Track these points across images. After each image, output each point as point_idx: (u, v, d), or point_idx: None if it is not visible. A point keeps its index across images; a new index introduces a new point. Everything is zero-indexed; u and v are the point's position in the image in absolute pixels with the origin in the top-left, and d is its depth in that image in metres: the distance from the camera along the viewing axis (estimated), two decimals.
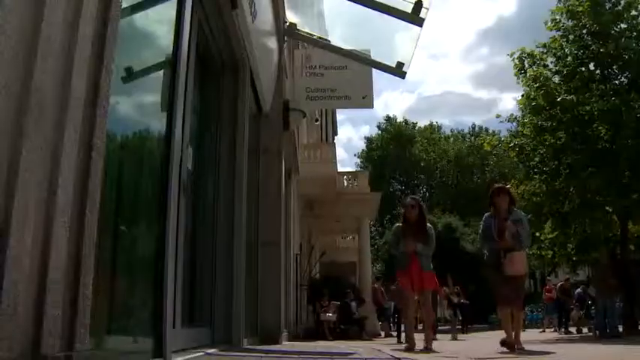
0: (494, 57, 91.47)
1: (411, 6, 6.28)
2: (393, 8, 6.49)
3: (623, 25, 13.37)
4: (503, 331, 6.59)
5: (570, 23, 13.77)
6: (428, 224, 7.03)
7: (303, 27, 9.33)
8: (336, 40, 9.55)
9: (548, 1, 14.96)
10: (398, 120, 50.69)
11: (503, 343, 6.45)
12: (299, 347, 6.63)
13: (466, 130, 51.49)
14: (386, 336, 15.98)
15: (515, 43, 52.45)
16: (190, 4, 3.51)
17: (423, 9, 6.25)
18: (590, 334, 14.37)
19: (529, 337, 13.28)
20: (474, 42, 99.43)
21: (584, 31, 13.51)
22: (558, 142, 13.24)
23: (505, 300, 6.35)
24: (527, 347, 6.68)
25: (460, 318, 16.26)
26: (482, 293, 33.07)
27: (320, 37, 9.54)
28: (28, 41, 1.40)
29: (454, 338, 12.89)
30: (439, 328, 13.76)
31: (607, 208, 13.33)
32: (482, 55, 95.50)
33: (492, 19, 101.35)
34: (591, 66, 13.81)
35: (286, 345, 7.23)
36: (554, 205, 13.57)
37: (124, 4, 2.13)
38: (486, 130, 46.47)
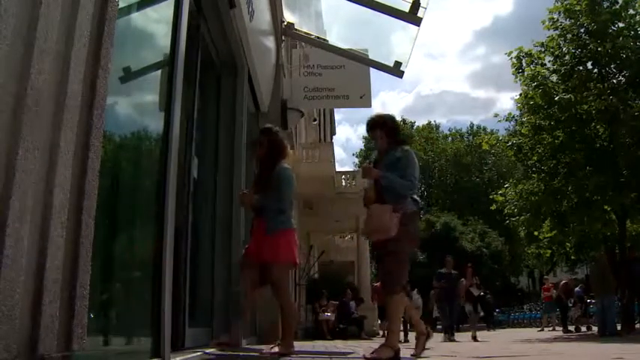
0: (491, 56, 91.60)
1: (409, 5, 6.29)
2: (391, 8, 6.49)
3: (620, 24, 13.37)
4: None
5: (568, 22, 13.76)
6: (282, 164, 4.28)
7: (301, 26, 9.34)
8: (333, 40, 9.59)
9: (545, 0, 15.00)
10: (396, 119, 50.68)
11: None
12: (297, 347, 6.61)
13: (464, 130, 51.56)
14: (384, 335, 15.98)
15: (512, 43, 52.53)
16: (188, 3, 3.51)
17: (420, 8, 6.25)
18: (589, 332, 14.40)
19: (528, 336, 13.32)
20: (470, 41, 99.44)
21: (582, 30, 13.51)
22: (556, 141, 13.24)
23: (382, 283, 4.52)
24: (517, 348, 6.45)
25: (482, 314, 14.67)
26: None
27: (318, 37, 9.55)
28: (24, 41, 1.40)
29: (474, 337, 11.61)
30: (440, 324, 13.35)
31: (605, 206, 13.32)
32: (479, 55, 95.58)
33: (489, 19, 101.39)
34: (589, 65, 13.81)
35: None
36: (553, 204, 13.56)
37: (121, 4, 2.13)
38: (484, 129, 46.48)
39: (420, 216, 4.41)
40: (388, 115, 4.60)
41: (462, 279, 12.12)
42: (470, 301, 12.44)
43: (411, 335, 12.58)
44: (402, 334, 11.88)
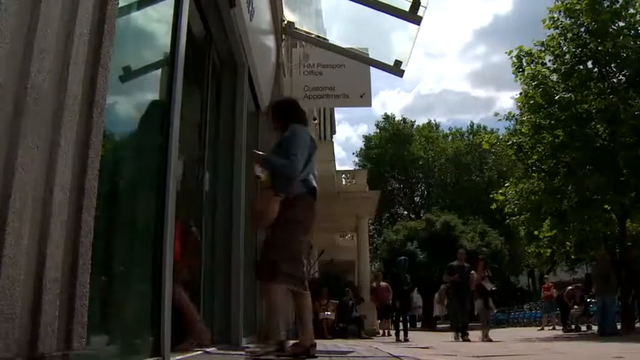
0: (491, 56, 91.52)
1: (409, 4, 6.28)
2: (391, 7, 6.48)
3: (621, 23, 13.37)
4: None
5: (568, 21, 13.77)
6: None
7: (301, 25, 9.33)
8: (334, 39, 9.57)
9: (544, 0, 15.00)
10: (396, 118, 50.68)
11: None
12: None
13: (464, 129, 51.47)
14: (383, 334, 16.01)
15: (512, 42, 52.57)
16: (188, 2, 3.51)
17: (420, 7, 6.24)
18: (589, 331, 14.40)
19: (528, 335, 13.33)
20: (470, 41, 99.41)
21: (582, 29, 13.52)
22: (556, 140, 13.24)
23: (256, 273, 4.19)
24: (518, 347, 6.41)
25: (495, 310, 13.51)
26: None
27: (318, 36, 9.54)
28: (24, 40, 1.40)
29: (485, 337, 10.87)
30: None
31: (605, 206, 13.33)
32: (480, 54, 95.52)
33: (489, 18, 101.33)
34: (589, 64, 13.83)
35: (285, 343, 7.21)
36: (553, 203, 13.58)
37: (121, 3, 2.12)
38: (485, 128, 46.43)
39: (314, 197, 3.91)
40: (281, 99, 4.48)
41: (472, 271, 11.46)
42: (482, 296, 11.37)
43: (411, 335, 12.60)
44: (402, 333, 11.89)
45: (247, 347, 5.05)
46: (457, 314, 11.58)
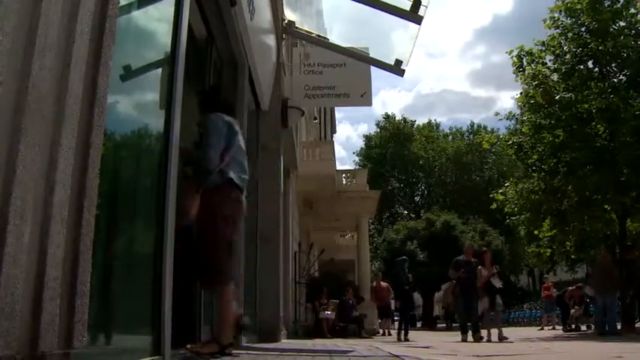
0: (491, 55, 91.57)
1: (410, 4, 6.28)
2: (392, 6, 6.48)
3: (622, 23, 13.35)
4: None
5: (569, 21, 13.75)
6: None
7: (302, 25, 9.33)
8: (334, 38, 9.57)
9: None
10: (396, 118, 50.69)
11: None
12: (297, 345, 6.64)
13: (465, 128, 51.47)
14: (383, 334, 16.01)
15: (512, 42, 52.62)
16: (188, 1, 3.51)
17: (421, 7, 6.25)
18: (589, 331, 14.40)
19: (529, 334, 13.32)
20: (470, 40, 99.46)
21: (583, 29, 13.50)
22: (557, 139, 13.23)
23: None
24: (518, 346, 6.40)
25: (502, 308, 11.20)
26: None
27: (319, 35, 9.54)
28: (25, 38, 1.40)
29: (500, 336, 9.83)
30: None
31: (605, 206, 13.33)
32: (480, 54, 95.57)
33: (489, 18, 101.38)
34: (590, 64, 13.81)
35: (285, 343, 7.23)
36: (553, 203, 13.57)
37: (122, 2, 2.13)
38: (485, 128, 46.44)
39: (234, 187, 3.60)
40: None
41: (480, 267, 10.42)
42: (489, 294, 10.22)
43: (411, 334, 12.60)
44: (402, 332, 11.89)
45: (246, 345, 5.05)
46: (463, 314, 10.70)
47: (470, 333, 10.19)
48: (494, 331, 9.82)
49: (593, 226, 13.67)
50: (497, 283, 10.35)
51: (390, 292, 15.29)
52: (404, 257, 13.99)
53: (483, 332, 10.01)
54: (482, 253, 11.21)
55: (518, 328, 20.65)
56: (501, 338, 9.71)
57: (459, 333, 10.77)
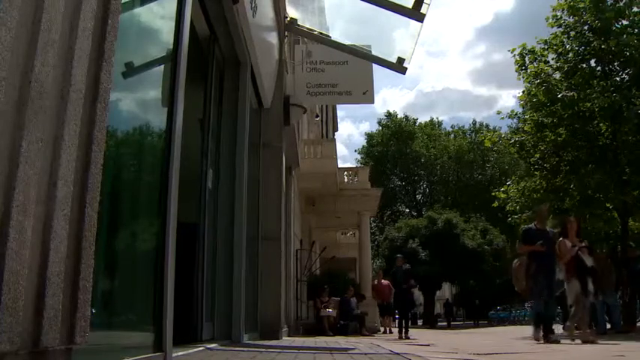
0: (492, 54, 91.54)
1: (412, 1, 6.27)
2: (394, 4, 6.47)
3: (624, 22, 13.34)
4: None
5: (571, 19, 13.74)
6: None
7: (304, 22, 9.32)
8: (336, 36, 9.55)
9: None
10: (398, 116, 50.66)
11: None
12: (298, 342, 6.64)
13: (466, 127, 51.44)
14: (385, 332, 16.02)
15: (513, 40, 52.53)
16: None
17: (423, 4, 6.23)
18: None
19: (529, 333, 13.29)
20: (472, 39, 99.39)
21: (586, 28, 13.48)
22: (559, 138, 13.23)
23: None
24: (520, 345, 6.33)
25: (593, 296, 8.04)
26: (482, 289, 33.23)
27: (321, 33, 9.53)
28: (28, 33, 1.40)
29: (571, 336, 7.77)
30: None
31: (607, 204, 13.32)
32: (481, 52, 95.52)
33: (490, 16, 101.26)
34: (592, 62, 13.80)
35: (286, 340, 7.24)
36: (555, 201, 13.56)
37: None
38: (487, 126, 46.43)
39: None
40: None
41: (561, 238, 7.87)
42: (579, 276, 7.61)
43: (412, 332, 12.61)
44: (403, 330, 11.90)
45: (247, 343, 5.06)
46: (545, 298, 7.82)
47: (545, 331, 7.72)
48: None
49: (595, 224, 13.65)
50: (589, 261, 7.77)
51: (391, 290, 15.26)
52: (398, 255, 14.05)
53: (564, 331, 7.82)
54: (564, 222, 8.51)
55: (519, 327, 20.66)
56: (586, 339, 7.26)
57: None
